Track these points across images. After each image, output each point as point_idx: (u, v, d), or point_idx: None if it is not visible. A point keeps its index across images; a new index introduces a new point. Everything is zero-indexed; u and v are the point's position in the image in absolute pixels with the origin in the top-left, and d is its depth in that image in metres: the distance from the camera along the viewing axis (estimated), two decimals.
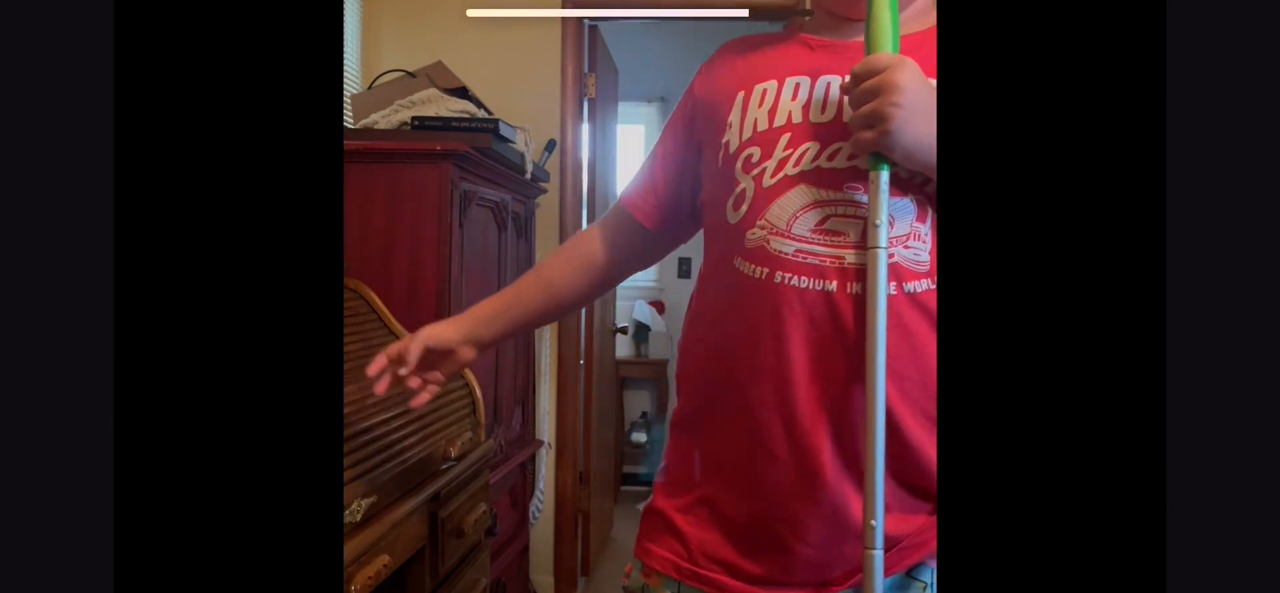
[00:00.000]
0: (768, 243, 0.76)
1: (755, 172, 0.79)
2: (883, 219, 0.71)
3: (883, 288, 0.71)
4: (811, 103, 0.79)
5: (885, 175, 0.72)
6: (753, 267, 0.77)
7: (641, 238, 0.96)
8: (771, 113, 0.80)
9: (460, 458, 1.49)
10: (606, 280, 1.00)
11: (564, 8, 2.71)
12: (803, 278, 0.75)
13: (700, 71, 0.92)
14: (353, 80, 2.68)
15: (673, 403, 0.92)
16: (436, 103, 2.04)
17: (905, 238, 0.75)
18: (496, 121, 2.04)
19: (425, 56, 2.38)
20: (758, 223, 0.77)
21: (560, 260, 1.01)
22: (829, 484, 0.76)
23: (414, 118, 1.98)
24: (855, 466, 0.75)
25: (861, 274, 0.74)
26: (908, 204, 0.75)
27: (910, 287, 0.75)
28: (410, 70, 2.21)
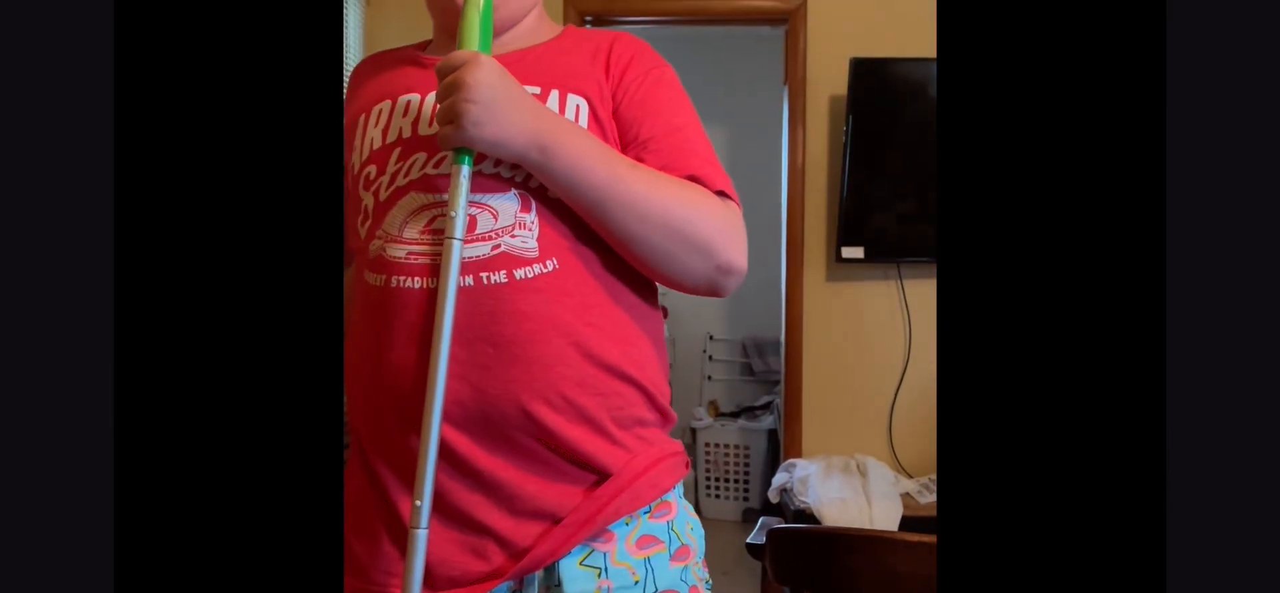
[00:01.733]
0: (384, 250, 0.78)
1: (374, 188, 0.81)
2: (460, 211, 0.73)
3: (454, 278, 0.73)
4: (421, 118, 0.82)
5: (465, 168, 0.74)
6: (376, 275, 0.79)
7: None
8: (385, 131, 0.83)
9: None
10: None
11: (564, 11, 2.72)
12: (414, 278, 0.76)
13: (346, 98, 0.94)
14: None
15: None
16: None
17: (511, 228, 0.77)
18: None
19: None
20: (376, 234, 0.80)
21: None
22: (451, 476, 0.76)
23: None
24: (494, 444, 0.75)
25: (473, 268, 0.75)
26: (511, 198, 0.78)
27: (521, 273, 0.76)
28: None
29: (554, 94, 0.81)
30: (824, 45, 2.70)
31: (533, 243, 0.77)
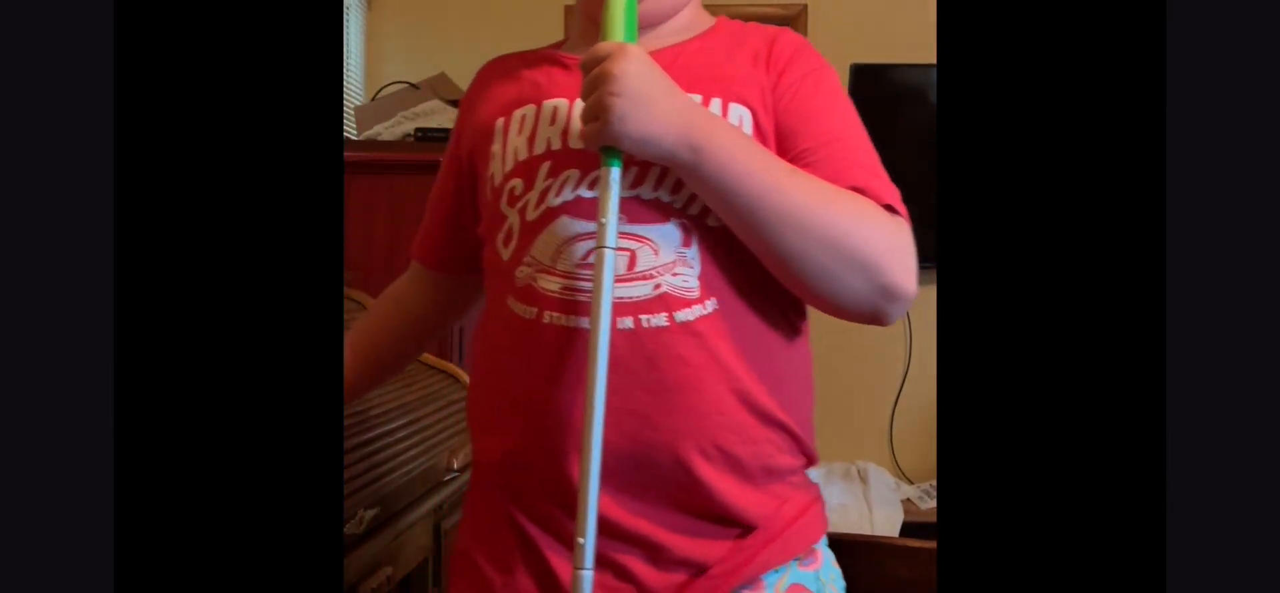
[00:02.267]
0: (535, 281, 0.73)
1: (519, 205, 0.75)
2: (611, 217, 0.67)
3: (608, 288, 0.66)
4: (570, 129, 0.74)
5: (615, 171, 0.68)
6: (525, 307, 0.73)
7: (433, 284, 0.93)
8: (531, 139, 0.76)
9: (463, 469, 1.49)
10: (420, 334, 0.97)
11: (564, 18, 2.72)
12: (569, 316, 0.71)
13: (465, 99, 0.88)
14: (356, 92, 2.69)
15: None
16: (440, 114, 2.05)
17: (671, 265, 0.71)
18: None
19: (429, 68, 2.39)
20: (525, 259, 0.74)
21: (370, 326, 0.97)
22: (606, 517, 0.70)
23: (417, 129, 1.99)
24: (639, 498, 0.71)
25: (632, 309, 0.70)
26: (672, 229, 0.71)
27: (681, 315, 0.71)
28: (413, 82, 2.22)
29: (716, 102, 0.74)
30: (824, 51, 2.66)
31: (694, 281, 0.71)
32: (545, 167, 0.74)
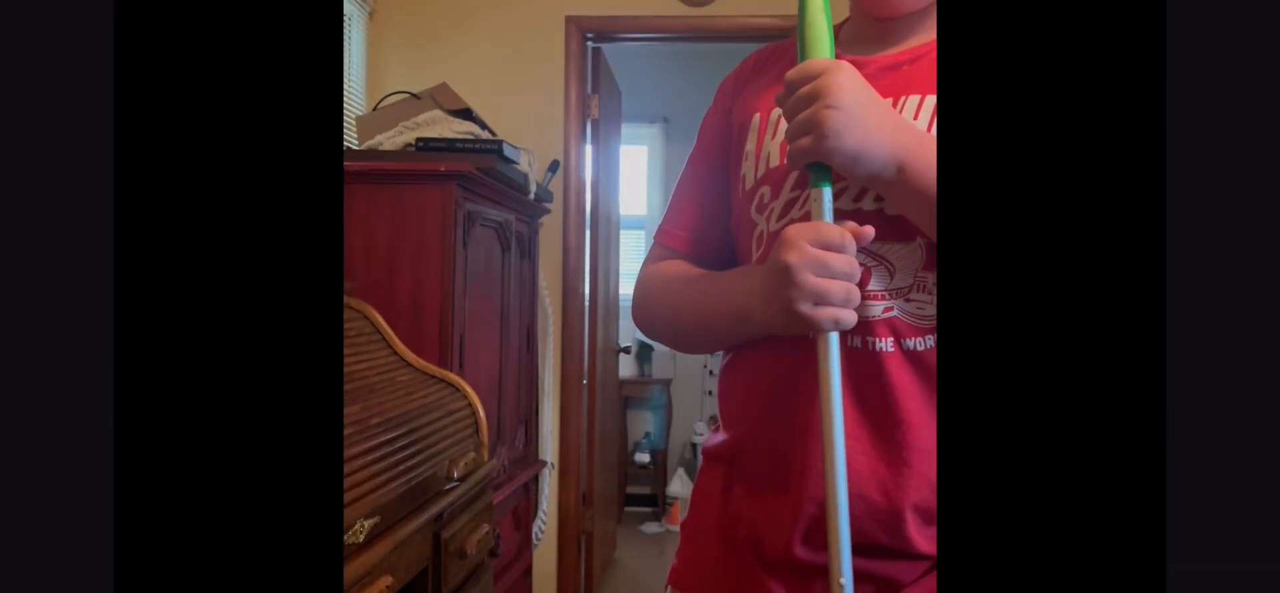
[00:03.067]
0: None
1: (767, 212, 0.75)
2: None
3: (835, 347, 0.65)
4: None
5: (827, 193, 0.67)
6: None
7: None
8: (783, 146, 0.74)
9: (463, 478, 1.49)
10: None
11: (566, 28, 2.73)
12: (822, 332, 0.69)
13: (727, 85, 0.86)
14: (358, 102, 2.70)
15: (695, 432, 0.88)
16: (441, 124, 2.05)
17: (906, 290, 0.69)
18: (500, 142, 2.05)
19: (430, 79, 2.40)
20: None
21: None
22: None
23: (418, 139, 1.99)
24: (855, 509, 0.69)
25: (862, 329, 0.68)
26: (916, 250, 0.69)
27: (910, 344, 0.69)
28: (415, 92, 2.23)
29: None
30: None
31: (930, 310, 0.69)
32: (792, 178, 0.73)
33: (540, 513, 2.67)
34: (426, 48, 2.77)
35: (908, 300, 0.69)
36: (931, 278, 0.69)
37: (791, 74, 0.67)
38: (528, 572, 2.44)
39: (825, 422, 0.64)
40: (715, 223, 0.84)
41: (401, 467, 1.31)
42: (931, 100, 0.70)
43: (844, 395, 0.67)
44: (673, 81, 4.20)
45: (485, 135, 2.12)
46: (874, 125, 0.65)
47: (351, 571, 1.10)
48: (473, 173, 1.90)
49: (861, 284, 0.67)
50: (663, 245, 0.87)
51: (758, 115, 0.78)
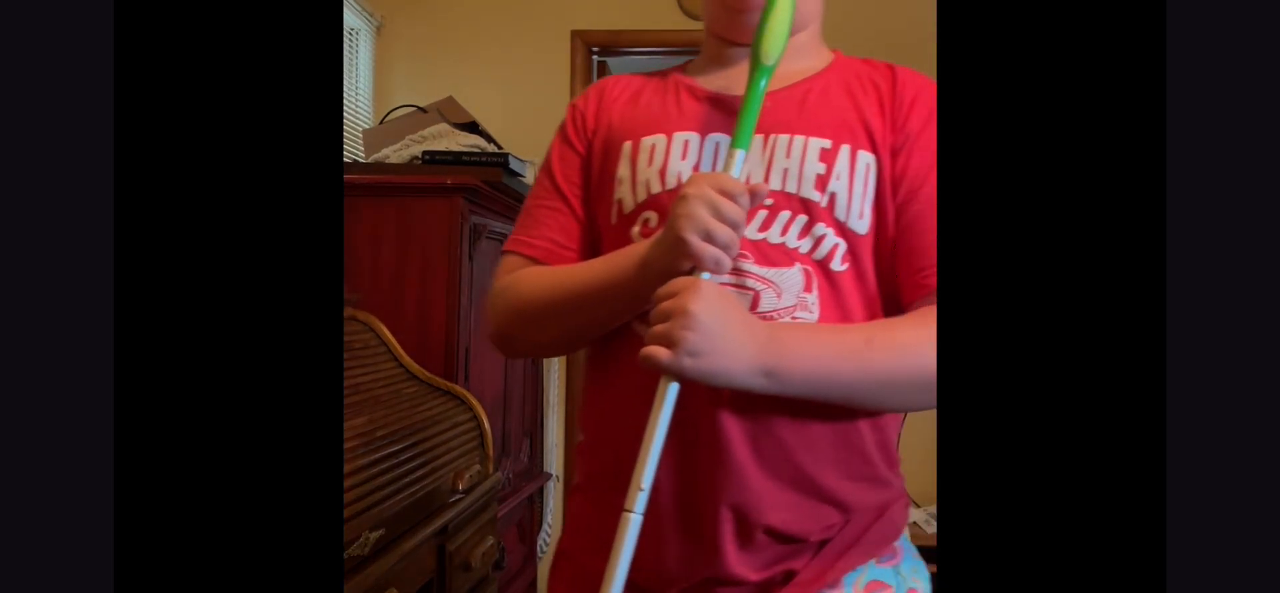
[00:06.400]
0: None
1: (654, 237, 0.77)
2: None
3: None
4: (700, 166, 0.77)
5: (741, 156, 0.72)
6: (645, 326, 0.74)
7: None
8: (662, 173, 0.78)
9: (468, 491, 1.49)
10: None
11: (572, 43, 2.75)
12: None
13: (585, 106, 0.87)
14: (365, 115, 2.71)
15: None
16: (447, 137, 2.06)
17: (791, 309, 0.74)
18: (506, 156, 2.06)
19: (437, 92, 2.41)
20: None
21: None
22: (723, 548, 0.75)
23: (425, 152, 2.00)
24: (743, 527, 0.75)
25: None
26: (795, 274, 0.75)
27: None
28: (421, 105, 2.24)
29: (845, 150, 0.76)
30: None
31: (813, 323, 0.75)
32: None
33: (545, 526, 2.67)
34: (433, 62, 2.78)
35: (794, 318, 0.74)
36: (811, 297, 0.75)
37: (659, 290, 0.71)
38: (532, 585, 2.44)
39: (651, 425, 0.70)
40: (573, 240, 0.85)
41: (407, 479, 1.31)
42: (815, 141, 0.76)
43: (748, 407, 0.73)
44: None
45: (491, 148, 2.13)
46: (733, 344, 0.69)
47: (357, 584, 1.10)
48: (479, 186, 1.91)
49: (754, 306, 0.73)
50: (522, 255, 0.86)
51: (628, 144, 0.81)
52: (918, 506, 2.63)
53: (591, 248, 0.85)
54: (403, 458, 1.32)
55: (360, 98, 2.69)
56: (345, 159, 2.39)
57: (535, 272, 0.84)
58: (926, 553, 2.55)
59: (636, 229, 0.79)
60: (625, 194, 0.80)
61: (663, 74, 0.88)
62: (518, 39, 2.75)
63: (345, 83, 2.57)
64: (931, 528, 2.47)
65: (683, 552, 0.76)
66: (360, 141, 2.55)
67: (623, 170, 0.80)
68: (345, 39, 2.66)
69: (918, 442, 2.74)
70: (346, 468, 1.18)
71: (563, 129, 0.88)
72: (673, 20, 2.69)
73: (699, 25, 0.90)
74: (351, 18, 2.64)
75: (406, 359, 1.63)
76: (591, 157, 0.85)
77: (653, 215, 0.78)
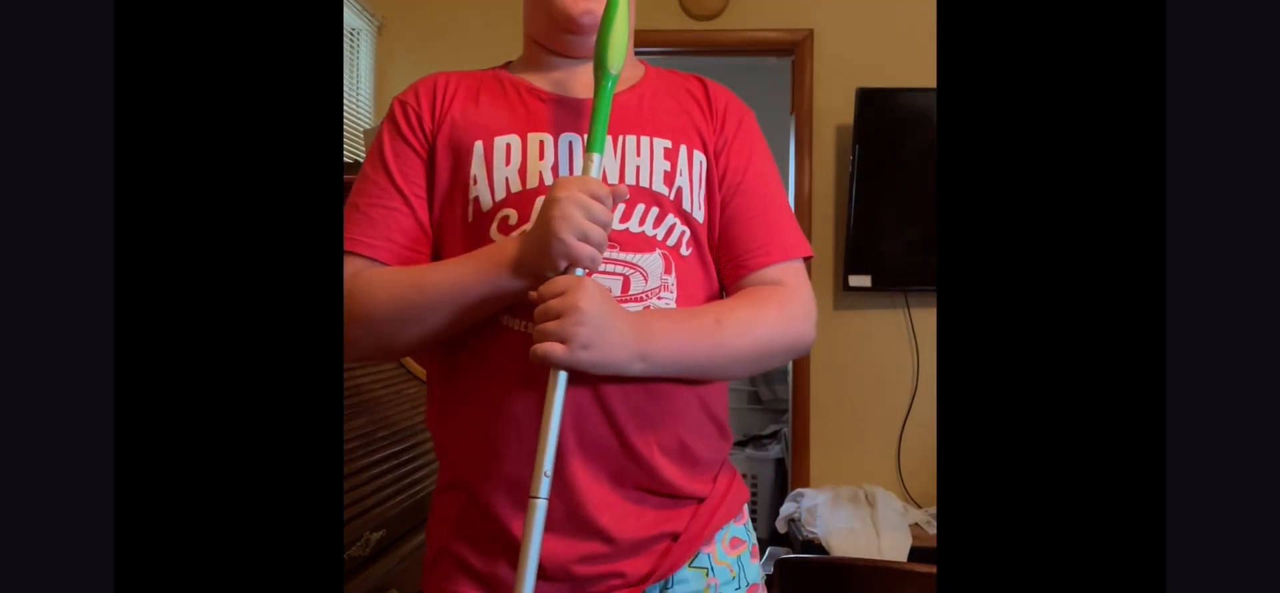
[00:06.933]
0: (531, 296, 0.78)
1: (515, 234, 0.80)
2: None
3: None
4: (558, 166, 0.82)
5: (598, 159, 0.78)
6: (520, 322, 0.79)
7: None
8: (521, 172, 0.82)
9: None
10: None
11: None
12: None
13: (419, 105, 0.87)
14: (365, 115, 2.71)
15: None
16: None
17: (657, 290, 0.82)
18: None
19: None
20: None
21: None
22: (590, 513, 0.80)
23: None
24: (612, 497, 0.81)
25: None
26: (656, 258, 0.83)
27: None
28: None
29: (683, 149, 0.85)
30: (830, 76, 2.72)
31: (672, 302, 0.83)
32: (540, 201, 0.80)
33: None
34: (434, 62, 2.78)
35: (659, 298, 0.82)
36: (670, 278, 0.83)
37: (545, 286, 0.76)
38: None
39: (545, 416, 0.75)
40: (416, 242, 0.85)
41: (407, 480, 1.31)
42: (659, 141, 0.85)
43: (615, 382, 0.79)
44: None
45: None
46: (616, 335, 0.76)
47: (357, 584, 1.10)
48: None
49: (625, 290, 0.81)
50: (365, 257, 0.84)
51: (479, 143, 0.83)
52: (919, 506, 2.63)
53: (435, 249, 0.85)
54: (404, 459, 1.32)
55: (360, 98, 2.70)
56: (346, 159, 2.39)
57: (384, 274, 0.83)
58: (927, 553, 2.53)
59: (494, 227, 0.81)
60: (483, 193, 0.82)
61: (491, 74, 0.91)
62: (518, 39, 2.75)
63: (345, 83, 2.58)
64: (932, 528, 2.47)
65: (572, 531, 0.81)
66: (361, 142, 2.55)
67: (477, 169, 0.83)
68: (345, 39, 2.66)
69: (918, 442, 2.75)
70: (347, 469, 1.18)
71: (395, 126, 0.87)
72: (673, 20, 2.69)
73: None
74: (352, 18, 2.64)
75: (409, 361, 1.63)
76: (435, 155, 0.85)
77: (512, 213, 0.81)
